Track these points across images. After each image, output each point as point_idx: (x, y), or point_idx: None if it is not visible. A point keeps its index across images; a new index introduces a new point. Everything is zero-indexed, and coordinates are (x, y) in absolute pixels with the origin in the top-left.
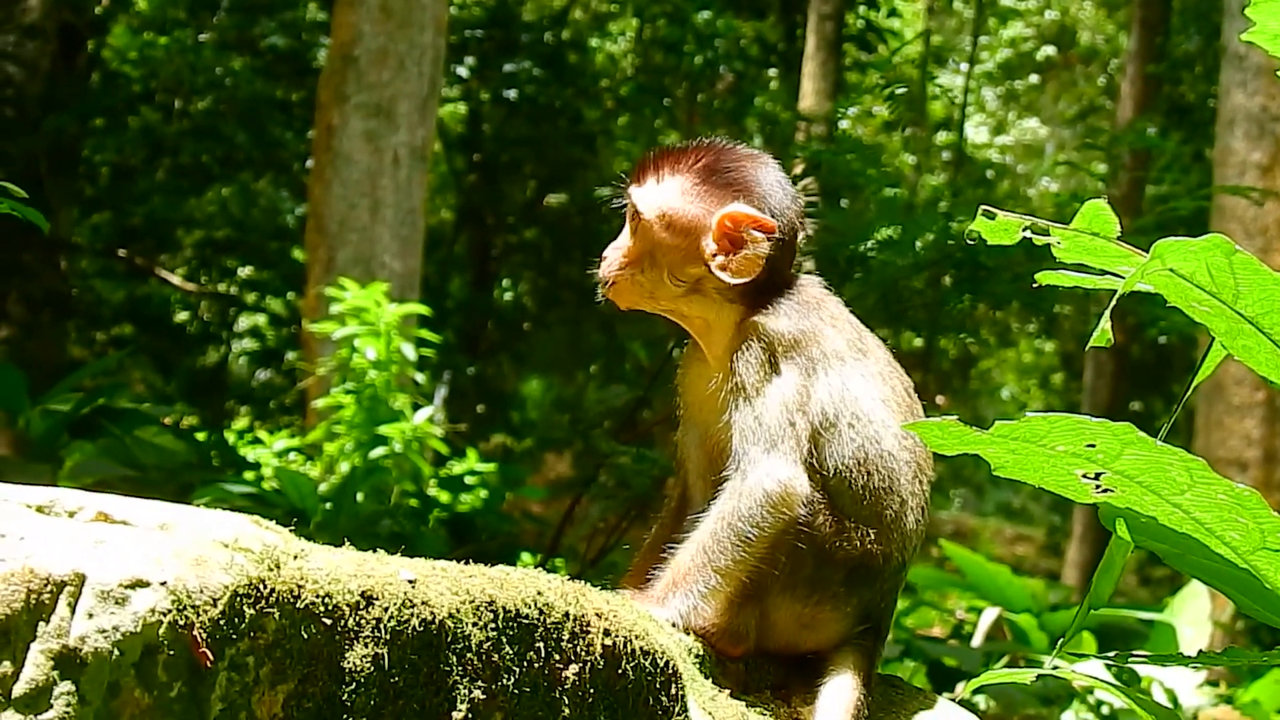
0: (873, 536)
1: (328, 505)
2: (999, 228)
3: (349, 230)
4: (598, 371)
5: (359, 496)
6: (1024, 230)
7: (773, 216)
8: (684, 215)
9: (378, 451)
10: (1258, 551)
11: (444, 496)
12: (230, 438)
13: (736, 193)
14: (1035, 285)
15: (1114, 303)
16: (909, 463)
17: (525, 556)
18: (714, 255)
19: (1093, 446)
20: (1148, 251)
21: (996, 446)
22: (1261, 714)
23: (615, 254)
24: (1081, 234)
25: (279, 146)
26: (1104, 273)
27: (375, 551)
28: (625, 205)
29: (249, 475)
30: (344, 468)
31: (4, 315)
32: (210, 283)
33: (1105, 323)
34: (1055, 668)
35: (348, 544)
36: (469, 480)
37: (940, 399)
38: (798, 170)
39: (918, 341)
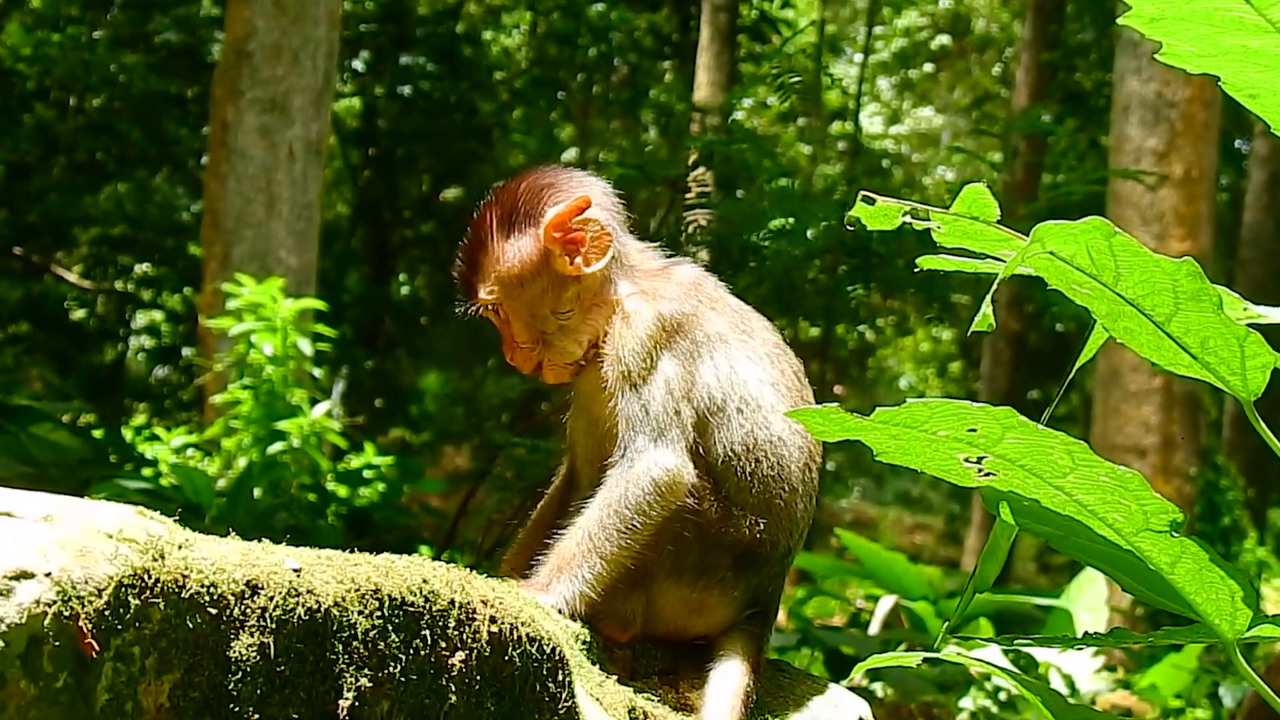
0: (762, 526)
1: (224, 500)
2: (878, 213)
3: (245, 226)
4: (495, 364)
5: (256, 492)
6: (904, 215)
7: (575, 196)
8: (522, 260)
9: (275, 446)
10: (1140, 533)
11: (342, 491)
12: (128, 434)
13: (538, 208)
14: (917, 270)
15: (995, 287)
16: (800, 448)
17: (423, 549)
18: (570, 262)
19: (974, 431)
20: (1029, 235)
21: (878, 432)
22: (1159, 698)
23: (516, 348)
24: (961, 218)
25: (174, 143)
26: (986, 257)
27: (262, 541)
28: (482, 312)
29: (146, 472)
30: (242, 463)
31: None
32: (107, 280)
33: (986, 307)
34: (956, 652)
35: (233, 534)
36: (367, 474)
37: (838, 388)
38: (691, 160)
39: (814, 331)
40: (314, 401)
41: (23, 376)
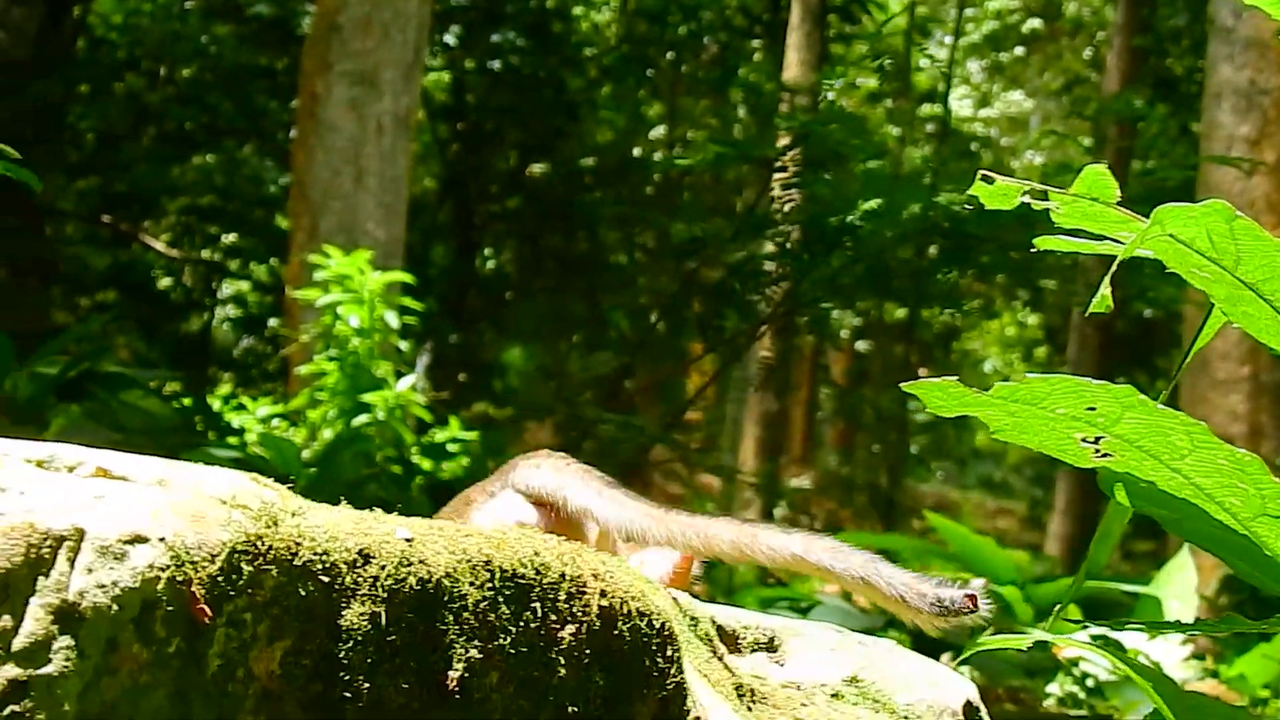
0: None
1: (313, 470)
2: (997, 192)
3: (332, 198)
4: (580, 340)
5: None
6: (1023, 195)
7: None
8: None
9: (360, 419)
10: (1258, 518)
11: (426, 464)
12: (214, 403)
13: None
14: (1033, 250)
15: (1114, 268)
16: None
17: None
18: None
19: (1093, 409)
20: (1147, 217)
21: (995, 409)
22: (1247, 688)
23: None
24: (1081, 199)
25: (263, 114)
26: (1102, 238)
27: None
28: None
29: (233, 440)
30: (327, 434)
31: None
32: (194, 249)
33: (1105, 288)
34: (1064, 637)
35: (344, 503)
36: (451, 448)
37: (923, 371)
38: (784, 141)
39: (900, 313)
40: (399, 374)
41: (109, 345)
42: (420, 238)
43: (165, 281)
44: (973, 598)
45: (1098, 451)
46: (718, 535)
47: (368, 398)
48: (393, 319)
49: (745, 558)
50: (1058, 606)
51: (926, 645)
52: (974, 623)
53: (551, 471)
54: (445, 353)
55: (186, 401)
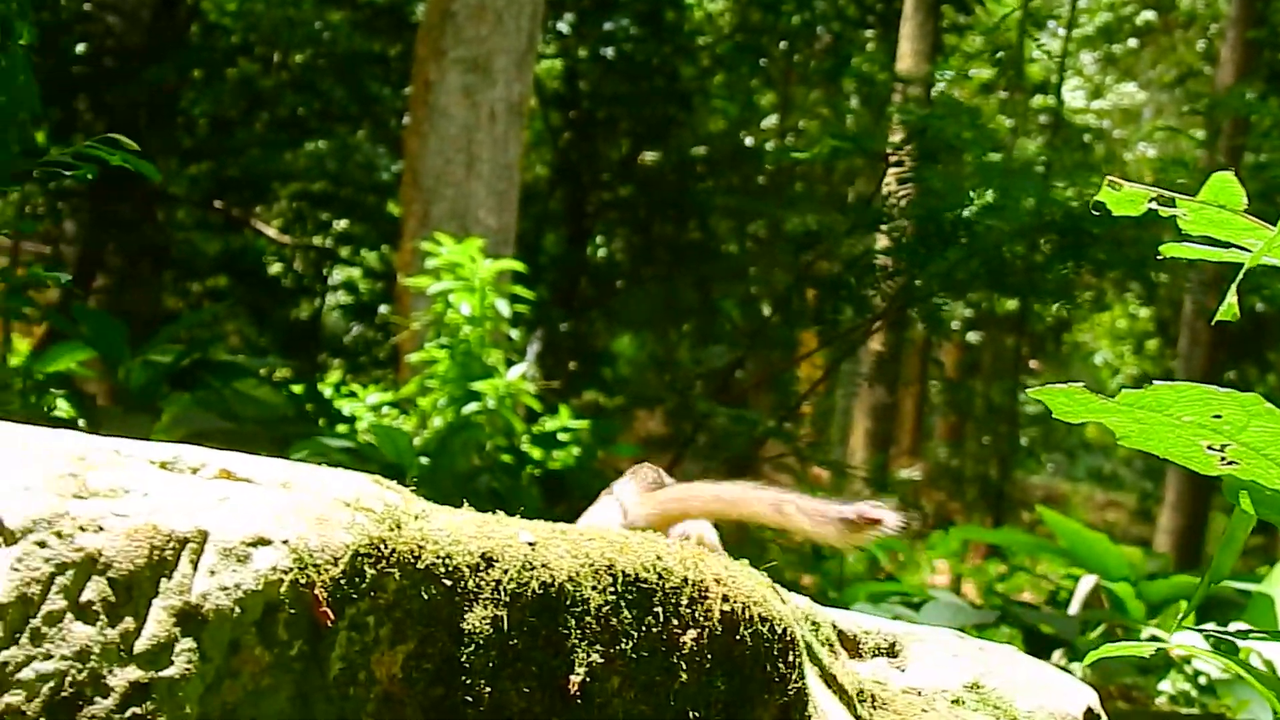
0: None
1: (424, 460)
2: (1124, 199)
3: (444, 185)
4: (690, 331)
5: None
6: (1150, 202)
7: None
8: None
9: (471, 407)
10: None
11: (536, 453)
12: (325, 391)
13: None
14: (1160, 257)
15: (1241, 276)
16: None
17: None
18: None
19: (1219, 417)
20: (1260, 215)
21: (1121, 415)
22: None
23: None
24: (1208, 206)
25: (376, 101)
26: (1228, 244)
27: (494, 512)
28: None
29: (344, 429)
30: (437, 423)
31: (102, 266)
32: (305, 235)
33: (1232, 297)
34: (1165, 640)
35: (466, 504)
36: (562, 437)
37: (1034, 363)
38: (898, 136)
39: (1012, 304)
40: (510, 363)
41: (220, 331)
42: (532, 225)
43: (276, 267)
44: (879, 508)
45: (1224, 459)
46: (669, 495)
47: (478, 386)
48: (504, 307)
49: (689, 511)
50: (1180, 615)
51: (1037, 642)
52: (885, 536)
53: (629, 476)
54: (556, 341)
55: (298, 389)
